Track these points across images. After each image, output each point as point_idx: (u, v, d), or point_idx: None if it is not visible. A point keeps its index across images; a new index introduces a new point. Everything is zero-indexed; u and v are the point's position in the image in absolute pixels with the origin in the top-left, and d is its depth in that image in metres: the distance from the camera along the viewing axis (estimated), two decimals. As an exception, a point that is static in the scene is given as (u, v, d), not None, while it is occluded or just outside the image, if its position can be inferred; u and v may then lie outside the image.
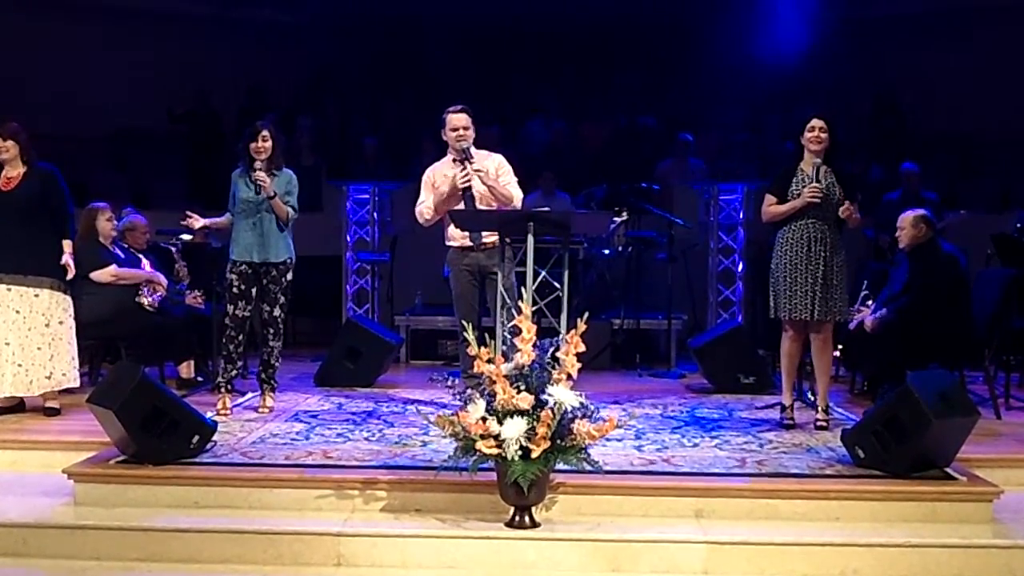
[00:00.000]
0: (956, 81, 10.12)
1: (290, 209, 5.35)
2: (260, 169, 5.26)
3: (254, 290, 5.38)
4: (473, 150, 5.17)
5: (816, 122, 4.98)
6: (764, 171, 7.83)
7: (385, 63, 11.15)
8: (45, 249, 5.18)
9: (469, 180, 5.07)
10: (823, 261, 4.94)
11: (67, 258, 5.20)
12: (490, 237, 5.11)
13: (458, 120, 5.17)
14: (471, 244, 5.18)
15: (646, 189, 7.96)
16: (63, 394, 5.39)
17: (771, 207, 5.06)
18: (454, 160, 5.23)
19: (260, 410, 5.42)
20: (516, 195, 5.26)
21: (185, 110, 10.44)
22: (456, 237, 5.26)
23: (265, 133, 5.31)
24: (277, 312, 5.41)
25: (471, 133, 5.17)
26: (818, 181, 4.93)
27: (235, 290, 5.36)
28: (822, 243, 4.95)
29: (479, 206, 5.12)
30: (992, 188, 9.55)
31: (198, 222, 5.47)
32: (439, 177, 5.30)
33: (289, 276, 5.42)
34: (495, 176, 5.22)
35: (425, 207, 5.30)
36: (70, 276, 5.23)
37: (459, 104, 5.26)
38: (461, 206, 5.10)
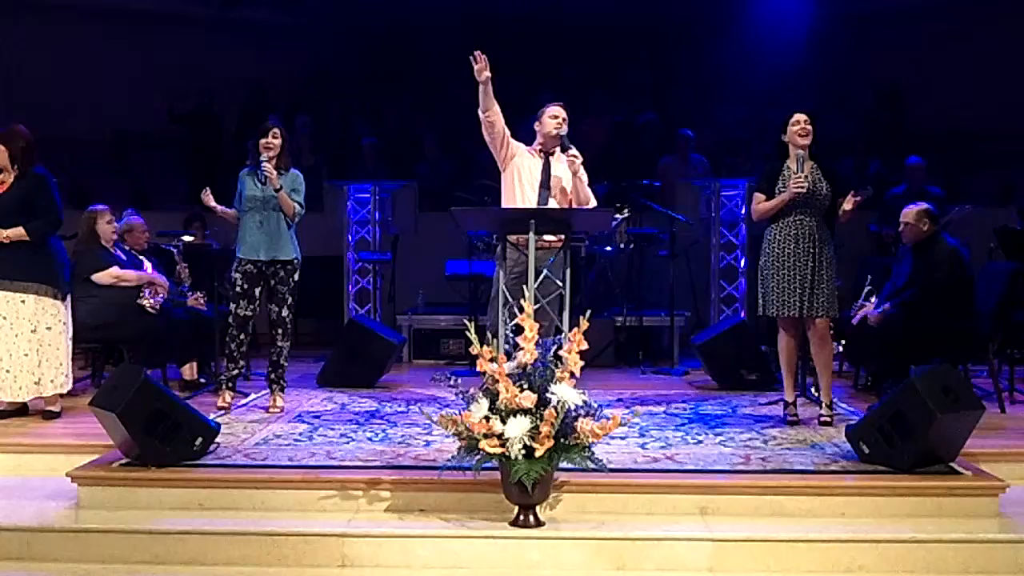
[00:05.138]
0: (956, 75, 10.11)
1: (296, 205, 5.39)
2: (268, 161, 5.29)
3: (258, 290, 5.42)
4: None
5: (799, 116, 5.02)
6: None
7: (384, 62, 11.15)
8: (34, 254, 5.13)
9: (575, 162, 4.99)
10: (811, 257, 4.95)
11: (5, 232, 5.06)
12: (546, 236, 4.91)
13: (558, 110, 5.13)
14: (523, 243, 4.87)
15: (647, 186, 7.95)
16: (66, 397, 5.39)
17: (760, 204, 5.09)
18: (540, 149, 5.16)
19: (271, 410, 5.43)
20: (592, 200, 5.18)
21: (185, 111, 10.44)
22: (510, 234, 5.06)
23: (276, 131, 5.38)
24: (285, 313, 5.44)
25: (567, 126, 5.10)
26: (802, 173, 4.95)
27: (238, 289, 5.40)
28: (810, 239, 4.97)
29: (552, 201, 5.05)
30: (993, 182, 9.53)
31: (211, 200, 5.48)
32: (521, 148, 5.16)
33: (296, 276, 5.45)
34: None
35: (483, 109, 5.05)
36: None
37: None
38: (536, 198, 5.04)
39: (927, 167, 7.93)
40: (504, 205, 5.12)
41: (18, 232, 5.08)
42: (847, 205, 4.93)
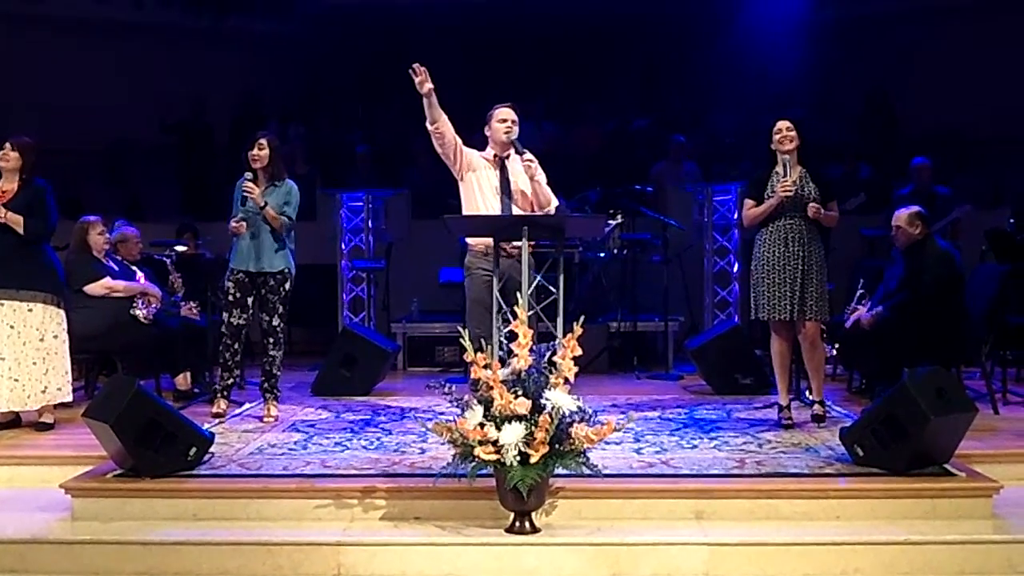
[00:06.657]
0: (946, 79, 10.15)
1: (284, 219, 5.37)
2: (253, 180, 5.29)
3: (250, 299, 5.43)
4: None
5: (781, 123, 5.10)
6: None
7: (377, 71, 11.15)
8: (38, 263, 5.17)
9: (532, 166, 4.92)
10: (800, 261, 5.00)
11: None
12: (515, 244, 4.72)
13: (507, 112, 5.03)
14: (495, 249, 4.71)
15: (640, 191, 7.97)
16: (59, 408, 5.38)
17: (750, 210, 5.15)
18: (495, 155, 5.08)
19: (265, 419, 5.43)
20: (554, 201, 5.08)
21: (177, 120, 10.43)
22: (478, 240, 4.97)
23: (262, 142, 5.37)
24: (276, 322, 5.43)
25: (517, 128, 5.03)
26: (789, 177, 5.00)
27: (230, 298, 5.42)
28: (799, 243, 5.01)
29: (514, 207, 4.99)
30: (983, 184, 9.56)
31: (243, 229, 5.37)
32: (475, 157, 5.09)
33: (287, 287, 5.44)
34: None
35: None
36: None
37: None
38: (499, 206, 4.97)
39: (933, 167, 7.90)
40: (466, 214, 4.99)
41: (16, 219, 5.08)
42: (810, 213, 4.97)
